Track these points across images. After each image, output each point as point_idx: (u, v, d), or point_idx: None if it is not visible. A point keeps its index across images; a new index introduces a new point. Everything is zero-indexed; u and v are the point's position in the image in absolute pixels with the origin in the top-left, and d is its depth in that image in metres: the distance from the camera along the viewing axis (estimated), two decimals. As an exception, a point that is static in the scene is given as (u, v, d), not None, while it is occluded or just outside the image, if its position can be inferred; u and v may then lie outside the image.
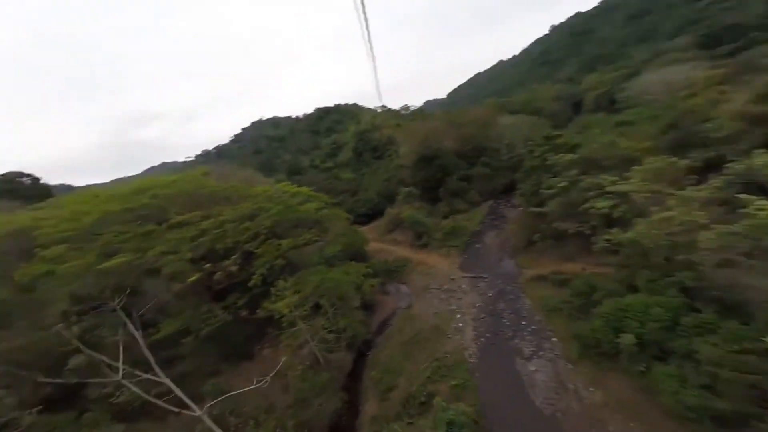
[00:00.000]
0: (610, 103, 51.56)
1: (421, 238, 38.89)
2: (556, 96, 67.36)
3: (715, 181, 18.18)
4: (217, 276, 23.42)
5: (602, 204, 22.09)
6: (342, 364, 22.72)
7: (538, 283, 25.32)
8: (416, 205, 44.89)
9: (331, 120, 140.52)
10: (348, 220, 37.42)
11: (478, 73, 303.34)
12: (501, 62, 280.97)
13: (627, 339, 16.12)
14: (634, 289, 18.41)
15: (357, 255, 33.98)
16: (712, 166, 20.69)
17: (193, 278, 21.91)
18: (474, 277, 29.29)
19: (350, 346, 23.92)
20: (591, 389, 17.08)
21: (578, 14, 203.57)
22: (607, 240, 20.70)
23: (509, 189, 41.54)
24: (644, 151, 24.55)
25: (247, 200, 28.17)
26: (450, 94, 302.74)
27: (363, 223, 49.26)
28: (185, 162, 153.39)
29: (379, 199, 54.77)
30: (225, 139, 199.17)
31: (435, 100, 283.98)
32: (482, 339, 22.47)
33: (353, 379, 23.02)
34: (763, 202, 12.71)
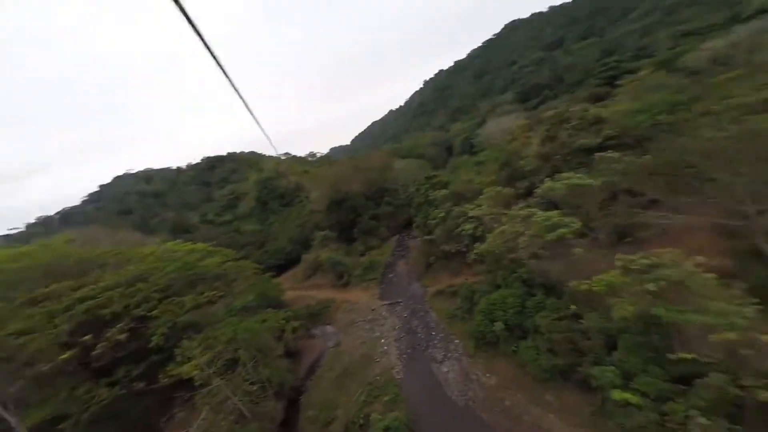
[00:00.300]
0: (470, 147, 62.50)
1: (342, 278, 40.18)
2: (433, 142, 78.86)
3: (530, 201, 25.20)
4: (99, 348, 20.50)
5: (468, 227, 27.71)
6: (273, 414, 22.14)
7: (439, 297, 29.49)
8: (333, 247, 46.22)
9: (226, 169, 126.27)
10: (258, 270, 35.89)
11: (374, 122, 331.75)
12: (391, 111, 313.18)
13: (498, 326, 20.55)
14: (498, 287, 23.44)
15: (273, 304, 33.01)
16: (530, 192, 28.20)
17: (65, 356, 19.18)
18: (391, 303, 32.19)
19: (279, 395, 23.34)
20: (488, 375, 20.50)
21: (441, 71, 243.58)
22: (475, 253, 25.93)
23: (409, 223, 46.20)
24: (489, 184, 31.76)
25: (133, 263, 25.72)
26: (353, 141, 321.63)
27: (277, 274, 47.42)
28: (9, 236, 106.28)
29: (293, 247, 53.84)
30: (73, 199, 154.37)
31: (340, 147, 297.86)
32: (404, 355, 25.06)
33: (288, 426, 22.53)
34: (540, 212, 18.83)
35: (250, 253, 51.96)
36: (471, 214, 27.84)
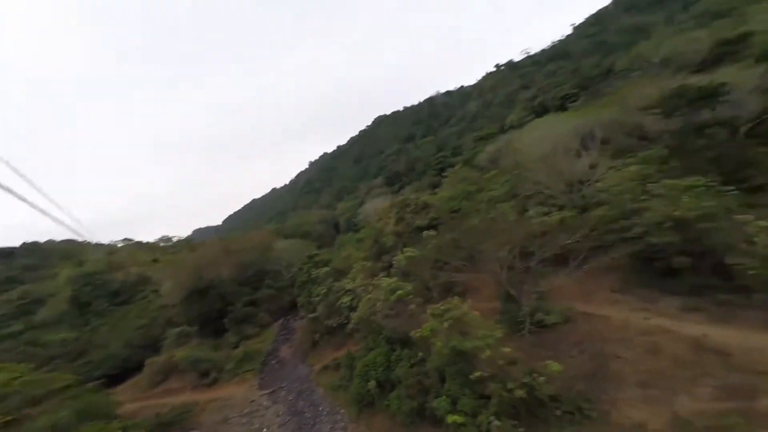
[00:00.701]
0: (353, 225, 69.12)
1: (208, 376, 35.61)
2: (320, 220, 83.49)
3: (390, 272, 30.56)
4: None
5: (345, 299, 30.83)
6: None
7: (325, 373, 30.25)
8: (194, 344, 41.09)
9: (16, 267, 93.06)
10: (76, 383, 28.75)
11: (255, 199, 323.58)
12: (275, 189, 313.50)
13: (371, 385, 23.01)
14: (371, 349, 26.49)
15: (104, 418, 26.18)
16: (391, 264, 33.82)
17: None
18: (273, 390, 30.81)
19: None
20: (369, 435, 22.19)
21: (325, 154, 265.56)
22: (353, 323, 28.87)
23: (295, 305, 44.69)
24: (363, 259, 36.64)
25: None
26: (226, 220, 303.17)
27: (109, 386, 37.80)
28: None
29: (133, 352, 45.07)
30: None
31: (208, 228, 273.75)
32: (291, 439, 24.36)
33: None
34: (385, 279, 23.76)
35: (60, 366, 40.48)
36: (348, 287, 31.36)
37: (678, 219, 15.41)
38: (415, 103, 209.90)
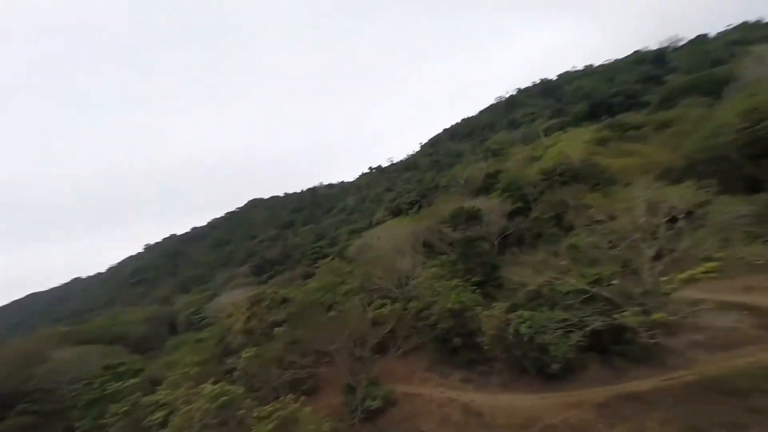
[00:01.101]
0: (198, 322, 61.34)
1: None
2: (148, 318, 69.89)
3: (234, 376, 29.01)
4: None
5: (158, 414, 26.50)
6: None
7: None
8: None
9: None
10: None
11: (35, 293, 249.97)
12: (78, 279, 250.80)
13: None
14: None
15: None
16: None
17: None
18: None
19: None
20: None
21: (172, 236, 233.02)
22: (167, 444, 24.71)
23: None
24: (197, 363, 33.40)
25: None
26: None
27: None
28: None
29: None
30: None
31: None
32: None
33: None
34: (208, 386, 23.11)
35: None
36: (164, 400, 27.62)
37: (451, 310, 22.70)
38: (297, 191, 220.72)
